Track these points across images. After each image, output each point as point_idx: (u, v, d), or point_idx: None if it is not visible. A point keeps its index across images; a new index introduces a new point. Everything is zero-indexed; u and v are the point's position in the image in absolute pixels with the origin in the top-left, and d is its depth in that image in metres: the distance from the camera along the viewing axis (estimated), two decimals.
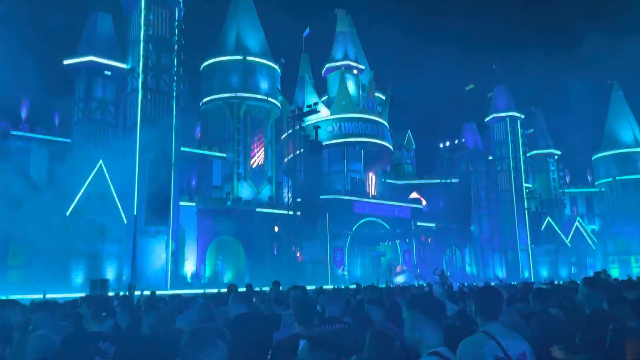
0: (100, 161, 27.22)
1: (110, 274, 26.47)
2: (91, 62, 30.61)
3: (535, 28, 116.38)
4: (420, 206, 42.92)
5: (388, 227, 38.77)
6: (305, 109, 34.67)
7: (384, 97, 44.79)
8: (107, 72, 31.00)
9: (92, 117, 30.56)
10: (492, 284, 13.46)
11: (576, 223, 53.33)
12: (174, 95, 30.28)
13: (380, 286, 13.60)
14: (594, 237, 53.84)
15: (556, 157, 56.86)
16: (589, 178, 59.33)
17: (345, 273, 35.82)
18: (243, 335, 4.27)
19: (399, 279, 33.79)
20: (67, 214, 25.72)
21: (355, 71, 42.70)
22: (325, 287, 16.66)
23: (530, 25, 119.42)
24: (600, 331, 3.80)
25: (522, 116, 52.30)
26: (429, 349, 2.78)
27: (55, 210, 25.87)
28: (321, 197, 33.00)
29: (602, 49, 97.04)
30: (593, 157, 58.19)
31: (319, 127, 35.49)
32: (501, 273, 47.53)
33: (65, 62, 31.15)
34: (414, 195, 46.15)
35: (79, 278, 25.60)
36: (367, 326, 4.32)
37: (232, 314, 5.19)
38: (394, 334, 4.84)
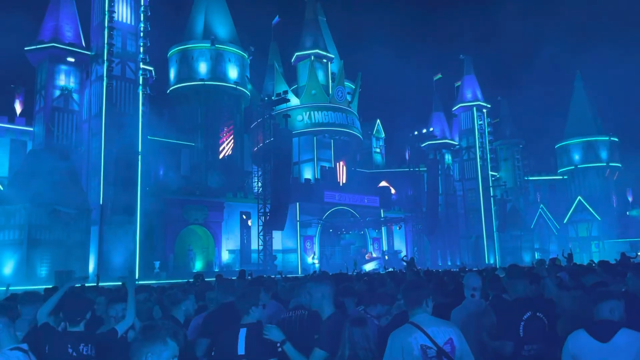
0: (65, 150, 26.59)
1: (75, 265, 25.97)
2: (53, 48, 29.70)
3: (502, 18, 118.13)
4: (390, 195, 43.37)
5: (358, 216, 39.11)
6: (275, 98, 34.49)
7: (353, 86, 44.90)
8: (71, 59, 30.16)
9: (55, 105, 29.74)
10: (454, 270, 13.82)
11: (539, 210, 54.87)
12: (140, 82, 29.72)
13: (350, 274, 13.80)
14: (556, 224, 55.50)
15: (521, 145, 58.24)
16: (553, 166, 61.05)
17: (316, 262, 36.04)
18: (227, 323, 4.37)
19: (368, 267, 34.20)
20: (30, 204, 25.07)
21: (324, 60, 42.63)
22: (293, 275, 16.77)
23: (498, 16, 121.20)
24: (516, 319, 3.98)
25: (489, 106, 53.29)
26: None
27: (19, 201, 25.23)
28: (291, 186, 32.99)
29: (566, 40, 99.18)
30: (556, 146, 59.84)
31: (289, 115, 35.36)
32: (467, 259, 48.57)
33: (27, 48, 30.15)
34: (383, 184, 46.59)
35: (43, 269, 25.05)
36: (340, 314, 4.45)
37: (219, 302, 5.28)
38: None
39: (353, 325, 3.59)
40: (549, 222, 54.81)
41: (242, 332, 3.84)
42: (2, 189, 26.45)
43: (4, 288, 13.93)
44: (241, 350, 3.76)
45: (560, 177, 59.14)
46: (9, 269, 24.71)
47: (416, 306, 3.42)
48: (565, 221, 55.78)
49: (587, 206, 54.31)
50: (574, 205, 55.48)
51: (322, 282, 4.11)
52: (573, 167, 57.28)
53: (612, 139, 56.87)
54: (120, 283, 16.04)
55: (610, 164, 56.23)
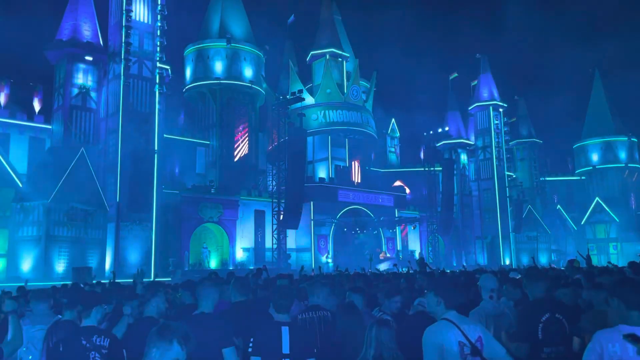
0: (82, 148, 26.91)
1: (93, 261, 26.32)
2: (72, 47, 30.09)
3: (518, 17, 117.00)
4: (404, 194, 43.18)
5: (372, 215, 39.02)
6: (290, 97, 34.54)
7: (368, 85, 44.80)
8: (89, 58, 30.53)
9: (73, 103, 30.12)
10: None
11: (556, 211, 54.23)
12: (157, 81, 29.99)
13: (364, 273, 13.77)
14: (573, 225, 54.78)
15: (538, 145, 57.57)
16: (570, 166, 60.23)
17: (329, 261, 36.03)
18: (241, 322, 4.39)
19: (383, 266, 34.08)
20: (49, 201, 25.45)
21: (339, 59, 42.57)
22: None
23: (514, 14, 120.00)
24: (535, 320, 3.96)
25: (505, 105, 52.77)
26: None
27: (37, 198, 25.61)
28: (305, 185, 33.02)
29: (585, 38, 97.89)
30: (574, 146, 59.05)
31: (304, 114, 35.37)
32: (482, 260, 48.20)
33: (45, 47, 30.60)
34: (398, 183, 46.40)
35: (61, 266, 25.42)
36: (354, 314, 4.45)
37: (232, 300, 5.31)
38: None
39: (380, 325, 3.69)
40: (566, 223, 54.13)
41: (285, 330, 3.79)
42: (21, 186, 26.84)
43: (23, 284, 14.15)
44: (286, 349, 3.72)
45: (578, 178, 58.33)
46: (27, 265, 25.12)
47: (451, 305, 3.53)
48: (582, 222, 55.02)
49: (606, 207, 53.50)
50: (592, 206, 54.67)
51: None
52: (591, 168, 56.46)
53: (631, 139, 55.99)
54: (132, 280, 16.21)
55: (629, 165, 55.36)
